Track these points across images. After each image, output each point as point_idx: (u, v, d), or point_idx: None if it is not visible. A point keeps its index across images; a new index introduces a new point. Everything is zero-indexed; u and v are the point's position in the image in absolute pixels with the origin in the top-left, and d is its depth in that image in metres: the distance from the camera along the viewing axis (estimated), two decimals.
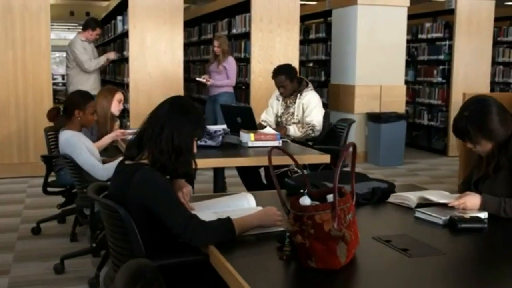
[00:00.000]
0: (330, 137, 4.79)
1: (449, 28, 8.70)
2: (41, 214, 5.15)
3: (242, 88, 8.30)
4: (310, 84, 5.13)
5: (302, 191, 1.97)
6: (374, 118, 7.74)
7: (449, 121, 8.57)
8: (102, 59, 7.45)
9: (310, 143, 4.90)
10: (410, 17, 8.21)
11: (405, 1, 7.97)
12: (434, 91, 8.90)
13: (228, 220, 2.06)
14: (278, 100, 5.19)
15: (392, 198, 2.67)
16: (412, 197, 2.57)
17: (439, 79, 8.81)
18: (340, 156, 1.81)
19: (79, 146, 3.59)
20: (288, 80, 4.98)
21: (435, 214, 2.36)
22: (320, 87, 9.17)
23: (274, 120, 5.20)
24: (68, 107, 3.74)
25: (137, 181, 2.11)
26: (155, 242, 2.12)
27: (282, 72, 5.01)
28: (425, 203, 2.53)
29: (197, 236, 2.02)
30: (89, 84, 7.22)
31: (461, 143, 2.62)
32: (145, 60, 7.16)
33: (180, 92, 7.36)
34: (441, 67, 8.80)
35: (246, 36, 7.93)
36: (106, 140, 4.36)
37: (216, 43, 7.30)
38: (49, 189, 4.63)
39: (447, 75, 8.67)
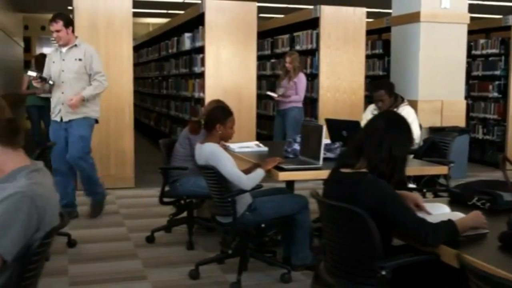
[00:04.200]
0: (433, 150, 5.00)
1: (505, 44, 8.93)
2: (144, 224, 5.41)
3: (305, 102, 8.52)
4: (405, 99, 5.35)
5: None
6: (439, 132, 7.93)
7: (506, 135, 8.79)
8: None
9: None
10: None
11: (466, 18, 8.21)
12: (490, 105, 9.12)
13: (451, 222, 2.28)
14: (374, 114, 5.40)
15: None
16: None
17: (495, 94, 9.03)
18: None
19: (224, 158, 3.80)
20: (387, 95, 5.19)
21: None
22: None
23: None
24: (210, 121, 3.96)
25: (368, 187, 2.33)
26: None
27: (381, 87, 5.22)
28: None
29: (431, 236, 2.23)
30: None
31: None
32: (220, 76, 7.41)
33: (253, 106, 7.61)
34: (497, 82, 9.01)
35: (311, 52, 8.18)
36: None
37: (288, 59, 7.54)
38: (165, 199, 4.90)
39: (503, 90, 8.88)
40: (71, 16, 6.87)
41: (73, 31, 5.61)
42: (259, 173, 3.84)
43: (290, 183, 4.69)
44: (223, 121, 3.95)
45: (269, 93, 7.87)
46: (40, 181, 1.84)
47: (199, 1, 7.60)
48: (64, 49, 5.54)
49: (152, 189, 6.98)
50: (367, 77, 10.07)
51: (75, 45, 5.54)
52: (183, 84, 8.94)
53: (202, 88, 7.59)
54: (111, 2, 7.07)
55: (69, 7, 7.19)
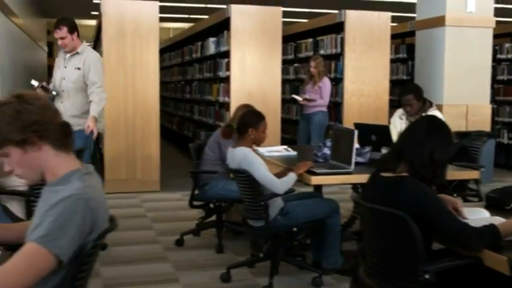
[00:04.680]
0: (463, 155, 4.98)
1: None
2: (172, 227, 5.46)
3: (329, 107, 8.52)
4: (433, 104, 5.33)
5: None
6: (464, 136, 7.88)
7: None
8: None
9: None
10: None
11: (491, 23, 8.16)
12: None
13: (494, 226, 2.28)
14: (401, 119, 5.40)
15: None
16: None
17: None
18: None
19: (257, 161, 3.83)
20: (415, 99, 5.17)
21: None
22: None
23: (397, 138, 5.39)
24: (242, 125, 4.00)
25: (411, 189, 2.33)
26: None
27: (410, 91, 5.21)
28: None
29: (474, 240, 2.23)
30: None
31: None
32: (245, 80, 7.44)
33: (278, 111, 7.63)
34: None
35: (335, 57, 8.19)
36: None
37: (312, 63, 7.57)
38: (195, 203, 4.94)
39: None
40: (97, 21, 6.95)
41: (78, 36, 5.28)
42: (291, 177, 3.87)
43: (318, 187, 4.71)
44: (255, 125, 3.99)
45: (294, 96, 7.89)
46: (93, 184, 1.88)
47: (223, 6, 7.66)
48: (67, 56, 5.26)
49: (177, 193, 7.04)
50: (390, 81, 10.07)
51: (77, 53, 5.22)
52: (207, 88, 8.99)
53: (227, 92, 7.63)
54: (138, 8, 7.15)
55: (92, 12, 7.28)
